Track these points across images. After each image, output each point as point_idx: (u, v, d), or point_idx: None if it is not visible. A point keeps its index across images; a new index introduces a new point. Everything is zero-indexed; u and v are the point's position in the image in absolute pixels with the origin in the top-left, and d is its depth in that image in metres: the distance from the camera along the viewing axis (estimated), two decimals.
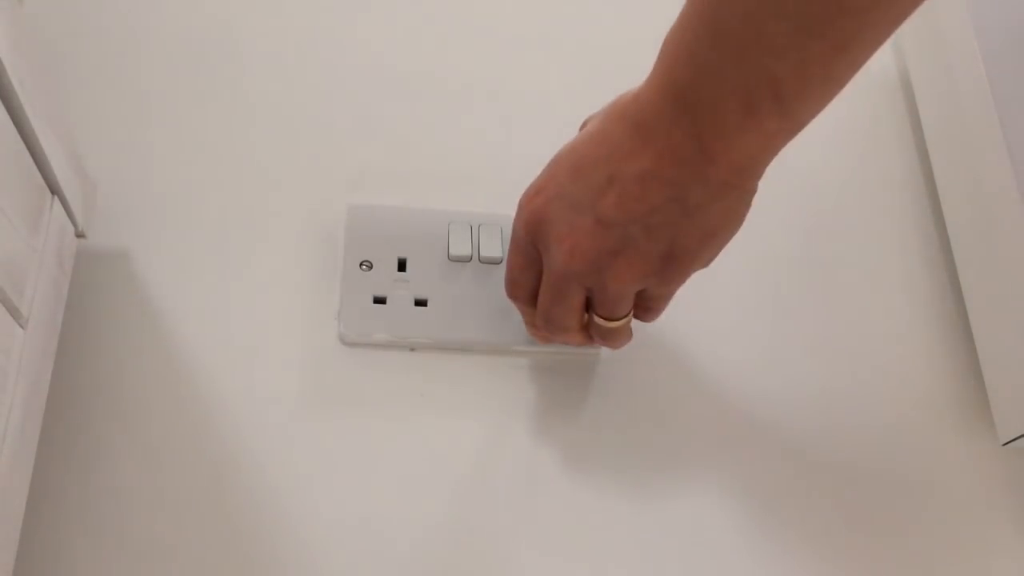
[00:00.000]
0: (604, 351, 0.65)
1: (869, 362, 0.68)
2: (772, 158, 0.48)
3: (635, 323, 0.66)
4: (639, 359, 0.66)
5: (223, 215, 0.66)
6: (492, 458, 0.62)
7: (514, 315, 0.62)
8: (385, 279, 0.65)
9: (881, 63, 0.80)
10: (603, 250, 0.50)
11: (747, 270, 0.70)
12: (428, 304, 0.64)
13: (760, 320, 0.69)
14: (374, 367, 0.63)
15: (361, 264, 0.65)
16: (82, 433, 0.59)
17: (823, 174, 0.75)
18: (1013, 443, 0.64)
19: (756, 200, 0.73)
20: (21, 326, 0.49)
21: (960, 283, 0.69)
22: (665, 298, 0.56)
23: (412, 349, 0.64)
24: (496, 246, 0.65)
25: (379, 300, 0.64)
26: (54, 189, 0.54)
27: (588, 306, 0.56)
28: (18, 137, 0.48)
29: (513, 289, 0.58)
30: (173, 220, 0.66)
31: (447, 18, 0.77)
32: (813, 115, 0.45)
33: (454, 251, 0.65)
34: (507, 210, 0.66)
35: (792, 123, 0.46)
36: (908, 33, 0.77)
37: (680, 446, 0.64)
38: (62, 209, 0.55)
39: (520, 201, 0.55)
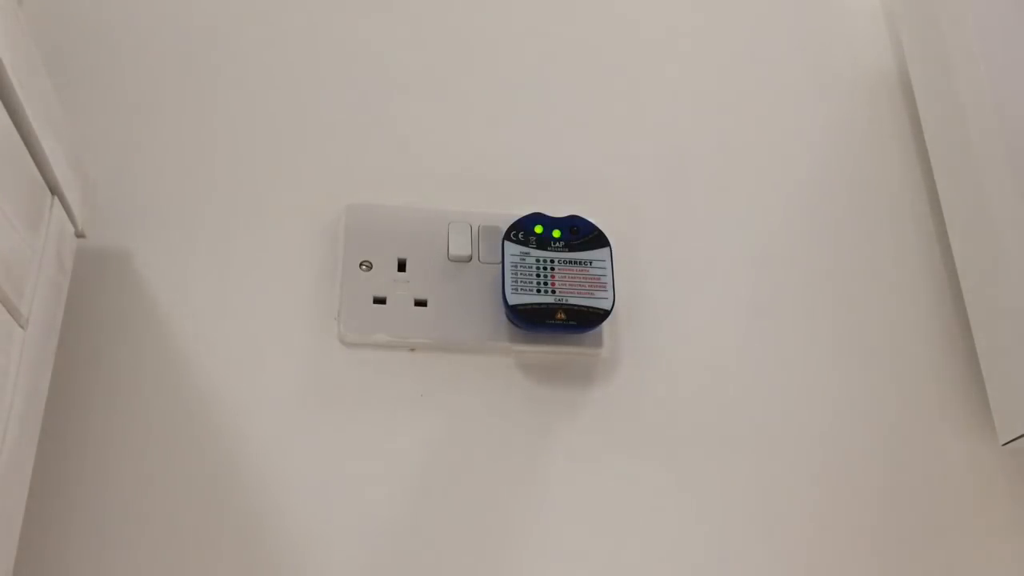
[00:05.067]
0: (604, 350, 0.65)
1: (869, 362, 0.68)
2: None
3: (636, 325, 0.66)
4: (639, 359, 0.66)
5: (223, 215, 0.66)
6: (492, 458, 0.62)
7: None
8: (385, 279, 0.65)
9: (881, 63, 0.80)
10: None
11: (747, 271, 0.70)
12: (428, 304, 0.64)
13: (760, 320, 0.69)
14: (374, 367, 0.63)
15: (361, 264, 0.65)
16: (82, 433, 0.59)
17: (823, 174, 0.75)
18: (1013, 443, 0.64)
19: (756, 200, 0.73)
20: (21, 326, 0.49)
21: (960, 284, 0.69)
22: None
23: (412, 349, 0.64)
24: (495, 247, 0.65)
25: (379, 300, 0.64)
26: (54, 189, 0.54)
27: None
28: (18, 137, 0.48)
29: None
30: (173, 220, 0.66)
31: (447, 18, 0.76)
32: None
33: (454, 251, 0.65)
34: (507, 210, 0.66)
35: None
36: (908, 33, 0.77)
37: (680, 446, 0.64)
38: (62, 209, 0.55)
39: None
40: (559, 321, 0.62)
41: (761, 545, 0.62)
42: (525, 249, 0.64)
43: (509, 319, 0.64)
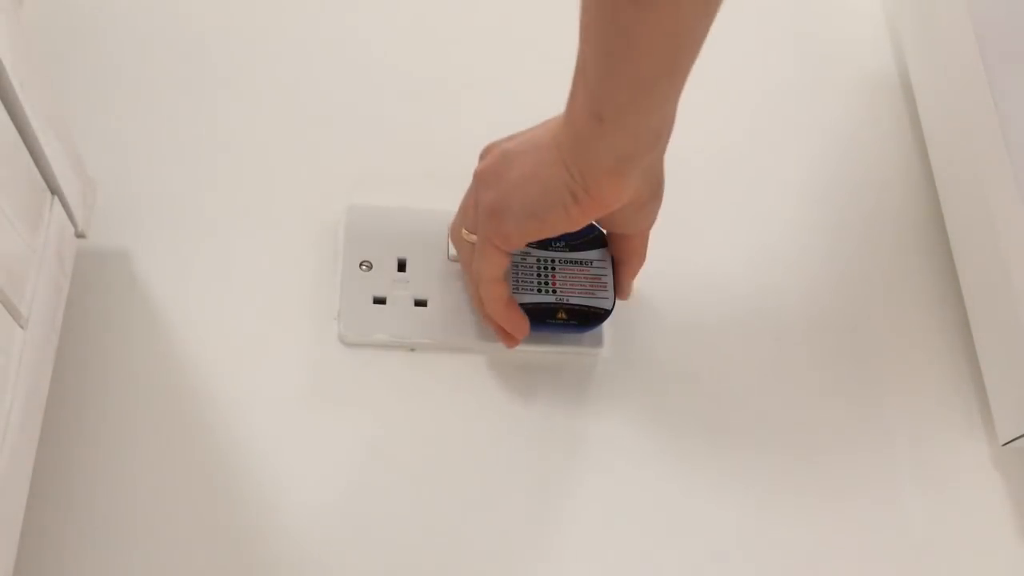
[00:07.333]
0: (604, 350, 0.65)
1: (869, 361, 0.68)
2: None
3: (636, 325, 0.66)
4: (639, 359, 0.66)
5: (223, 215, 0.66)
6: (492, 458, 0.62)
7: None
8: (385, 279, 0.65)
9: (881, 63, 0.80)
10: None
11: (746, 270, 0.70)
12: (428, 304, 0.64)
13: (759, 320, 0.69)
14: (374, 367, 0.63)
15: (361, 264, 0.65)
16: (82, 433, 0.59)
17: (823, 174, 0.75)
18: (1013, 443, 0.64)
19: (756, 200, 0.73)
20: (21, 326, 0.49)
21: (960, 283, 0.69)
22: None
23: (412, 349, 0.64)
24: None
25: (379, 300, 0.64)
26: (54, 189, 0.54)
27: None
28: (18, 137, 0.48)
29: None
30: (173, 220, 0.66)
31: (447, 18, 0.76)
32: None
33: (454, 251, 0.65)
34: None
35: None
36: (908, 33, 0.77)
37: (680, 445, 0.64)
38: (62, 209, 0.55)
39: None
40: (560, 321, 0.62)
41: (761, 544, 0.62)
42: (525, 249, 0.64)
43: None
